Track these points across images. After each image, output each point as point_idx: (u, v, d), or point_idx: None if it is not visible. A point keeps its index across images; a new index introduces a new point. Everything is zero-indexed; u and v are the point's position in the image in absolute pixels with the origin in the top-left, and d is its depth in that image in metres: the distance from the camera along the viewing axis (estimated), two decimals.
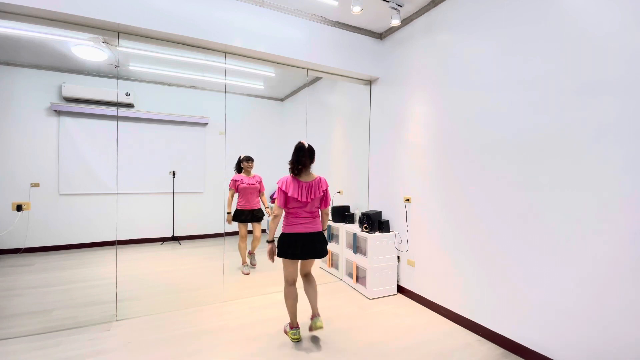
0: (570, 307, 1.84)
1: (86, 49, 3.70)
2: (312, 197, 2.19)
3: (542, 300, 1.98)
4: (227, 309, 2.77)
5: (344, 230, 3.57)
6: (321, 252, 2.26)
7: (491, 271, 2.30)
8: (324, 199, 2.29)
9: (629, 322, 1.60)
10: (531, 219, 2.04)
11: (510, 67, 2.17)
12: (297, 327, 2.29)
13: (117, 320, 2.53)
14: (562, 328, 1.88)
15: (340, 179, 4.28)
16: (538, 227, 2.00)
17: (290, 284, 2.28)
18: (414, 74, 3.05)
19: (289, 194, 2.14)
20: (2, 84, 4.17)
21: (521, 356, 2.09)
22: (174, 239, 5.01)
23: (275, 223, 2.21)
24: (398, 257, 3.25)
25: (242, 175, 3.78)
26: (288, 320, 2.40)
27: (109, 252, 4.43)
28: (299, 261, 2.31)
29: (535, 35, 2.02)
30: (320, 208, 2.32)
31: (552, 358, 1.92)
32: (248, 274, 3.72)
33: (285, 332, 2.35)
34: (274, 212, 2.20)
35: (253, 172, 3.87)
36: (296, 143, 2.22)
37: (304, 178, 2.19)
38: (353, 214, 3.71)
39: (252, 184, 3.77)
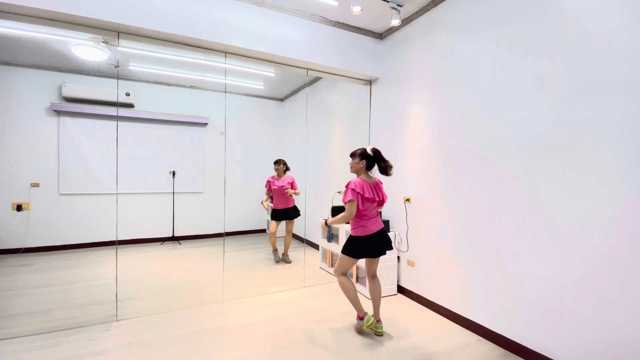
0: (571, 306, 1.84)
1: (86, 49, 3.71)
2: (381, 197, 2.33)
3: (543, 300, 1.98)
4: (227, 309, 2.77)
5: (344, 230, 3.57)
6: (391, 242, 2.41)
7: (491, 271, 2.30)
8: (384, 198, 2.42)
9: (629, 322, 1.60)
10: (531, 219, 2.04)
11: (511, 67, 2.17)
12: (367, 313, 2.38)
13: (117, 320, 2.53)
14: (562, 328, 1.88)
15: (341, 178, 4.27)
16: (538, 227, 2.00)
17: (346, 275, 2.37)
18: (414, 74, 3.05)
19: (365, 195, 2.22)
20: (2, 84, 4.17)
21: (521, 356, 2.09)
22: (174, 239, 5.01)
23: (345, 219, 2.24)
24: (398, 257, 3.25)
25: (274, 177, 4.05)
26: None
27: (109, 252, 4.43)
28: (368, 262, 2.41)
29: (536, 35, 2.02)
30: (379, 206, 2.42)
31: (552, 358, 1.92)
32: (278, 261, 4.09)
33: (360, 330, 2.37)
34: (347, 213, 2.23)
35: (292, 172, 4.19)
36: (370, 148, 2.31)
37: (368, 180, 2.31)
38: None
39: (283, 186, 3.98)
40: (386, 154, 3.42)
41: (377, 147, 2.37)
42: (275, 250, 4.13)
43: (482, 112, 2.38)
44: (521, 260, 2.10)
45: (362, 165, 2.30)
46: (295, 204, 4.14)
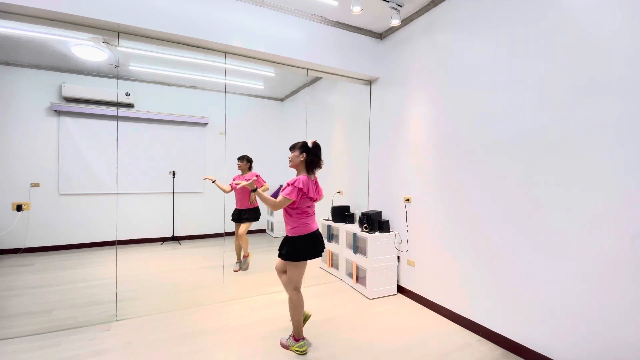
0: (571, 307, 1.84)
1: (86, 49, 3.70)
2: (320, 194, 2.22)
3: (543, 300, 1.98)
4: (227, 309, 2.77)
5: (344, 230, 3.57)
6: (324, 242, 2.33)
7: (491, 271, 2.30)
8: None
9: (629, 322, 1.60)
10: (531, 219, 2.04)
11: (511, 67, 2.17)
12: (304, 338, 2.22)
13: (117, 320, 2.53)
14: (562, 328, 1.88)
15: (340, 179, 4.28)
16: (538, 227, 2.00)
17: (299, 290, 2.20)
18: (414, 74, 3.05)
19: (309, 195, 2.09)
20: (2, 84, 4.17)
21: (521, 356, 2.09)
22: (174, 239, 5.00)
23: (271, 206, 2.07)
24: (398, 257, 3.25)
25: (239, 175, 3.85)
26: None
27: (109, 252, 4.43)
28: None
29: (536, 35, 2.02)
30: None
31: (552, 358, 1.92)
32: (236, 271, 3.80)
33: (286, 347, 2.18)
34: (279, 202, 2.06)
35: (255, 169, 3.88)
36: (311, 141, 2.15)
37: (312, 176, 2.18)
38: (353, 214, 3.71)
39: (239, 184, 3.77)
40: (386, 154, 3.44)
41: (318, 142, 2.18)
42: (238, 261, 3.87)
43: (482, 112, 2.38)
44: (521, 260, 2.10)
45: (302, 159, 2.12)
46: (257, 207, 3.86)
